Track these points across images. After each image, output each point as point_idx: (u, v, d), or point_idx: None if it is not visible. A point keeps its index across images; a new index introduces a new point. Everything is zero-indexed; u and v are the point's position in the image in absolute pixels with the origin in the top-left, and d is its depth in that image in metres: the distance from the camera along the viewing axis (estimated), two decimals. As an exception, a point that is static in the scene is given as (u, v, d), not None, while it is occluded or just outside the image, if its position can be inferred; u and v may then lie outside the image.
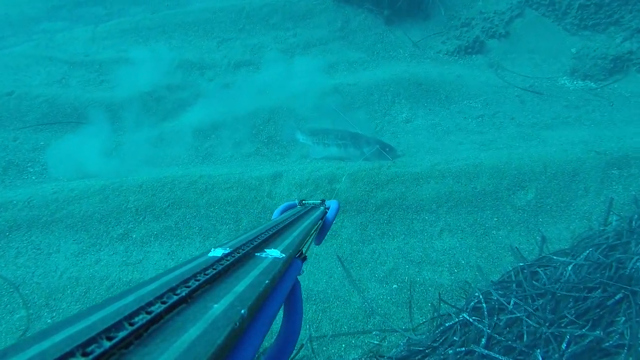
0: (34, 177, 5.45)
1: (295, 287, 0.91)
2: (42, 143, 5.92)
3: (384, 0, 8.24)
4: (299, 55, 7.52)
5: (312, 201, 1.60)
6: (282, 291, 0.74)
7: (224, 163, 5.58)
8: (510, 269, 4.09)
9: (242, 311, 0.53)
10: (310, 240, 1.17)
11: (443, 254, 4.29)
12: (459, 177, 4.80)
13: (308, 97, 6.44)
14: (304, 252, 1.06)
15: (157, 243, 4.46)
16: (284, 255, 0.81)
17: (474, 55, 7.92)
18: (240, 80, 6.90)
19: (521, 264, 4.05)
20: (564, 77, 7.36)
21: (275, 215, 1.48)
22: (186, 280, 0.61)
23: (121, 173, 5.21)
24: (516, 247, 4.31)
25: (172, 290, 0.57)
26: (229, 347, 0.48)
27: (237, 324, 0.50)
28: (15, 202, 4.77)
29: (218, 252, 0.76)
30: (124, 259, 4.33)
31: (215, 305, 0.54)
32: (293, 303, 0.88)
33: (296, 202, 1.61)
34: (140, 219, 4.64)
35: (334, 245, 4.38)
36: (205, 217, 4.62)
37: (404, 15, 8.53)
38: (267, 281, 0.65)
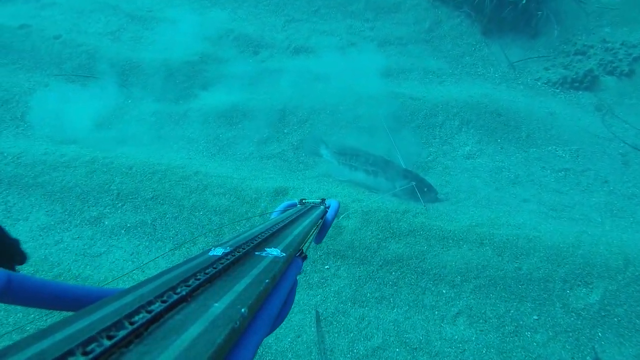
0: (46, 129, 5.15)
1: (292, 286, 0.86)
2: (70, 95, 5.63)
3: (487, 5, 7.02)
4: (369, 52, 6.61)
5: (312, 200, 1.61)
6: (283, 290, 0.74)
7: (236, 161, 4.91)
8: (534, 395, 3.04)
9: (243, 310, 0.53)
10: (310, 239, 1.15)
11: (450, 346, 3.30)
12: (503, 249, 3.72)
13: (361, 102, 5.56)
14: (304, 251, 1.03)
15: (125, 238, 3.91)
16: (284, 254, 0.81)
17: (580, 92, 6.51)
18: (294, 67, 6.15)
19: (551, 393, 2.97)
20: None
21: (275, 214, 1.49)
22: (186, 279, 0.60)
23: (125, 144, 4.74)
24: (551, 367, 3.21)
25: (173, 289, 0.57)
26: (229, 346, 0.48)
27: (238, 322, 0.50)
28: (5, 154, 4.46)
29: (218, 251, 0.77)
30: (84, 247, 3.83)
31: (216, 304, 0.54)
32: (286, 302, 0.81)
33: (296, 201, 1.63)
34: (119, 205, 4.11)
35: (318, 296, 3.55)
36: (186, 222, 3.98)
37: (507, 27, 7.24)
38: (267, 280, 0.65)
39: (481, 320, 3.45)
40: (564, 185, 4.95)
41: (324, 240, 1.48)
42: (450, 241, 3.76)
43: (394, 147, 4.93)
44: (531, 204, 4.56)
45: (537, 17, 7.13)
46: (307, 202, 1.63)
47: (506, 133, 5.49)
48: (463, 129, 5.45)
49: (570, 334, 3.41)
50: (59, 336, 0.42)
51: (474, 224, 3.91)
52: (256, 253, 0.82)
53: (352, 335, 3.34)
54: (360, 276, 3.65)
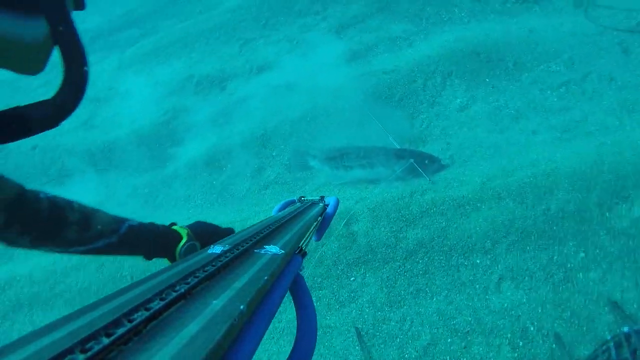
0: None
1: (300, 282, 0.89)
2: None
3: (429, -51, 6.67)
4: (329, 43, 6.38)
5: (311, 197, 1.61)
6: (282, 287, 0.74)
7: (235, 202, 4.79)
8: (609, 337, 2.77)
9: (241, 307, 0.53)
10: (309, 236, 1.16)
11: (503, 317, 3.06)
12: (523, 195, 3.45)
13: (337, 97, 5.34)
14: (303, 248, 1.04)
15: (152, 322, 3.83)
16: (283, 251, 0.81)
17: (553, -4, 6.10)
18: (261, 88, 5.99)
19: (626, 329, 2.70)
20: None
21: (274, 212, 1.49)
22: (185, 277, 0.60)
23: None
24: (615, 302, 2.93)
25: (171, 286, 0.56)
26: (228, 342, 0.48)
27: (237, 319, 0.50)
28: (18, 278, 4.47)
29: (217, 249, 0.77)
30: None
31: (215, 301, 0.54)
32: (301, 299, 0.86)
33: (295, 198, 1.62)
34: (137, 291, 4.05)
35: (353, 312, 3.38)
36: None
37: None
38: (266, 277, 0.65)
39: (526, 278, 3.19)
40: (568, 100, 4.60)
41: (322, 239, 1.44)
42: (467, 207, 3.51)
43: (382, 130, 4.70)
44: (541, 133, 4.24)
45: (482, -61, 6.74)
46: (306, 200, 1.63)
47: (492, 69, 5.17)
48: (447, 83, 5.16)
49: (626, 259, 3.12)
50: (57, 334, 0.42)
51: (485, 179, 3.65)
52: (255, 250, 0.82)
53: (398, 340, 3.15)
54: (388, 276, 3.45)
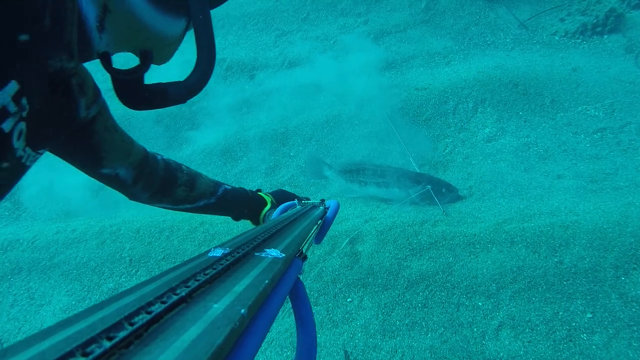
0: (61, 204, 5.20)
1: (299, 289, 0.90)
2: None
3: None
4: (366, 48, 6.27)
5: (311, 201, 1.61)
6: (283, 290, 0.74)
7: (245, 197, 4.75)
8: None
9: (242, 311, 0.53)
10: (310, 239, 1.17)
11: (497, 367, 2.97)
12: (537, 244, 3.34)
13: (363, 106, 5.26)
14: (304, 251, 1.04)
15: (143, 306, 3.83)
16: (283, 254, 0.82)
17: (605, 36, 5.90)
18: (290, 83, 5.93)
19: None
20: None
21: (275, 215, 1.51)
22: (186, 280, 0.61)
23: (129, 207, 4.69)
24: (616, 373, 2.82)
25: (172, 290, 0.57)
26: (229, 347, 0.48)
27: (237, 323, 0.50)
28: (21, 240, 4.51)
29: (218, 252, 0.78)
30: (105, 323, 3.78)
31: (215, 305, 0.54)
32: (301, 306, 0.88)
33: (296, 201, 1.62)
34: (133, 272, 4.05)
35: (345, 334, 3.32)
36: (199, 278, 3.86)
37: (511, -15, 6.70)
38: (267, 281, 0.66)
39: (527, 330, 3.09)
40: (602, 148, 4.45)
41: (323, 240, 1.49)
42: (478, 246, 3.42)
43: (404, 148, 4.60)
44: (566, 179, 4.11)
45: (540, -34, 6.55)
46: (307, 203, 1.64)
47: (527, 103, 5.03)
48: (479, 110, 5.04)
49: (635, 328, 3.00)
50: (58, 337, 0.42)
51: (501, 220, 3.54)
52: (256, 254, 0.82)
53: (386, 372, 3.08)
54: (386, 303, 3.38)
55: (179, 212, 1.95)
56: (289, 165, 5.00)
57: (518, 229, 3.43)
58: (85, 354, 0.39)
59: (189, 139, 5.71)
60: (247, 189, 2.13)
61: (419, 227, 3.60)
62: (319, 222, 1.38)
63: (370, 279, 3.48)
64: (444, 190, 3.92)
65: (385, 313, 3.34)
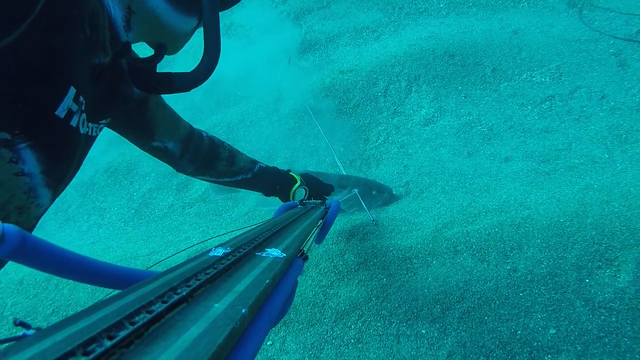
0: None
1: (293, 287, 0.92)
2: None
3: None
4: (281, 31, 5.61)
5: (312, 201, 1.72)
6: (284, 290, 0.75)
7: (153, 222, 4.08)
8: None
9: (243, 310, 0.53)
10: (311, 239, 1.22)
11: (448, 412, 2.45)
12: (485, 251, 2.81)
13: (282, 100, 4.62)
14: (305, 251, 1.06)
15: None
16: (284, 254, 0.83)
17: (545, -9, 5.42)
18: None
19: None
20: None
21: (276, 214, 1.54)
22: (187, 280, 0.62)
23: None
24: (589, 407, 2.34)
25: (173, 289, 0.57)
26: (229, 347, 0.48)
27: (238, 323, 0.51)
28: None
29: (219, 252, 0.79)
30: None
31: (216, 305, 0.54)
32: (286, 302, 0.87)
33: (296, 202, 1.73)
34: (20, 334, 3.33)
35: (267, 388, 2.74)
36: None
37: (440, -56, 6.12)
38: (267, 280, 0.67)
39: (482, 357, 2.58)
40: (551, 120, 3.96)
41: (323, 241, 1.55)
42: (415, 261, 2.87)
43: (328, 146, 4.00)
44: (515, 161, 3.60)
45: None
46: (308, 203, 1.73)
47: (467, 76, 4.50)
48: (413, 89, 4.47)
49: (607, 340, 2.52)
50: (59, 336, 0.42)
51: (441, 225, 3.00)
52: (257, 253, 0.83)
53: None
54: (313, 343, 2.80)
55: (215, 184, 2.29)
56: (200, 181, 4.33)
57: (461, 233, 2.89)
58: (86, 353, 0.39)
59: (91, 158, 4.95)
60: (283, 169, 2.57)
61: (345, 245, 3.02)
62: (319, 223, 1.34)
63: (292, 315, 2.89)
64: (374, 192, 3.35)
65: (312, 355, 2.76)
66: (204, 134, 2.10)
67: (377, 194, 3.34)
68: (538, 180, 3.30)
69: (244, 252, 0.80)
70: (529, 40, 4.69)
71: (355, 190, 3.28)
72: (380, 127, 4.26)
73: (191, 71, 1.33)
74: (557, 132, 3.82)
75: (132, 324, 0.46)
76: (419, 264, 2.84)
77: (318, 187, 2.80)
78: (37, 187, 1.09)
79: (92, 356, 0.39)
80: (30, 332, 0.68)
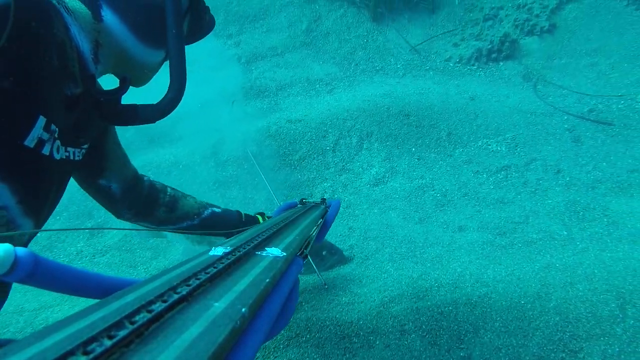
0: None
1: (294, 286, 0.91)
2: None
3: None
4: (232, 76, 5.32)
5: (312, 200, 1.64)
6: (284, 289, 0.75)
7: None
8: None
9: (243, 310, 0.54)
10: (311, 238, 1.19)
11: None
12: (437, 332, 2.44)
13: (223, 145, 4.24)
14: (305, 251, 1.05)
15: None
16: (284, 253, 0.83)
17: (500, 63, 5.48)
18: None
19: None
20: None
21: (276, 214, 1.57)
22: (187, 279, 0.62)
23: None
24: None
25: (173, 288, 0.58)
26: (229, 346, 0.49)
27: (238, 322, 0.51)
28: None
29: (219, 251, 0.79)
30: None
31: (216, 304, 0.55)
32: (288, 301, 0.86)
33: (297, 201, 1.67)
34: None
35: None
36: None
37: (400, 7, 6.18)
38: (267, 280, 0.67)
39: None
40: (507, 190, 3.78)
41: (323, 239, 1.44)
42: (356, 340, 2.44)
43: (272, 197, 3.62)
44: (469, 232, 3.34)
45: (430, -13, 6.10)
46: (308, 202, 1.73)
47: (421, 137, 4.31)
48: (364, 146, 4.22)
49: None
50: (59, 335, 0.43)
51: (387, 298, 2.62)
52: (257, 253, 0.83)
53: None
54: None
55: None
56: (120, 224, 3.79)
57: (410, 310, 2.52)
58: (86, 353, 0.40)
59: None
60: (247, 213, 2.33)
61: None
62: (319, 222, 1.36)
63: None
64: (324, 252, 2.96)
65: None
66: (145, 178, 2.07)
67: (327, 255, 2.95)
68: (495, 254, 3.03)
69: (243, 251, 0.81)
70: (485, 108, 4.61)
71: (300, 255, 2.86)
72: (326, 184, 3.93)
73: (156, 103, 1.37)
74: (513, 204, 3.62)
75: (132, 323, 0.46)
76: (360, 343, 2.42)
77: None
78: (15, 218, 1.12)
79: (92, 356, 0.39)
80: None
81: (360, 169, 4.05)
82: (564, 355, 2.37)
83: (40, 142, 1.10)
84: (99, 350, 0.40)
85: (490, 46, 5.48)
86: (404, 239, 3.31)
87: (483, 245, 3.16)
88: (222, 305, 0.55)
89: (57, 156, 1.21)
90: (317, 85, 5.22)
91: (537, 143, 4.23)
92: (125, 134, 4.65)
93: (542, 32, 5.60)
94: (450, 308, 2.51)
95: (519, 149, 4.18)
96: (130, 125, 1.39)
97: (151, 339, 0.45)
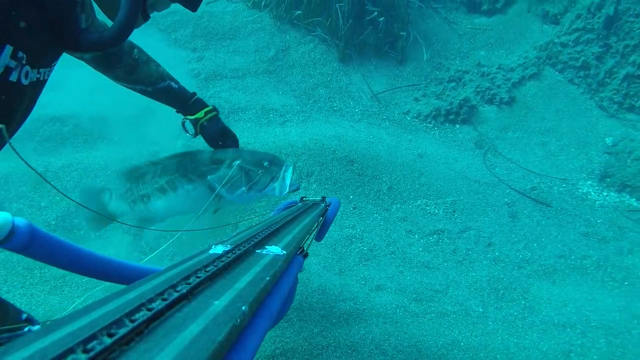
0: None
1: (294, 285, 0.93)
2: None
3: (342, 27, 5.96)
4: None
5: (312, 198, 1.62)
6: (284, 287, 0.75)
7: None
8: None
9: (243, 308, 0.54)
10: (311, 237, 1.24)
11: None
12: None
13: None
14: (305, 248, 1.07)
15: None
16: (284, 252, 0.83)
17: (457, 125, 5.56)
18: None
19: None
20: (589, 182, 4.93)
21: (276, 212, 1.54)
22: (187, 277, 0.62)
23: None
24: None
25: (173, 287, 0.58)
26: (230, 344, 0.49)
27: (238, 320, 0.51)
28: None
29: (219, 249, 0.78)
30: None
31: (216, 302, 0.55)
32: (286, 300, 0.87)
33: (297, 199, 1.64)
34: None
35: None
36: None
37: (370, 52, 6.25)
38: (267, 278, 0.67)
39: None
40: (435, 255, 3.74)
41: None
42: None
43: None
44: (386, 293, 3.26)
45: (402, 39, 6.20)
46: (308, 200, 1.71)
47: (361, 186, 4.26)
48: (302, 185, 4.14)
49: None
50: (60, 333, 0.43)
51: (278, 351, 2.48)
52: (257, 251, 0.84)
53: None
54: None
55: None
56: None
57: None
58: (86, 351, 0.40)
59: None
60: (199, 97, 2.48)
61: None
62: (319, 220, 1.38)
63: None
64: (265, 163, 2.30)
65: None
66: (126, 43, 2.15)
67: (270, 165, 2.29)
68: (405, 321, 2.95)
69: (244, 249, 0.80)
70: (431, 167, 4.63)
71: (237, 162, 2.27)
72: (254, 220, 3.81)
73: (101, 32, 1.42)
74: (437, 271, 3.58)
75: (132, 321, 0.46)
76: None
77: (224, 132, 2.55)
78: None
79: (92, 354, 0.39)
80: (36, 327, 0.64)
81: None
82: None
83: (7, 70, 1.20)
84: (98, 348, 0.40)
85: (449, 107, 5.57)
86: (318, 288, 3.20)
87: (396, 309, 3.08)
88: (222, 303, 0.55)
89: (25, 81, 1.31)
90: (271, 115, 5.15)
91: (475, 212, 4.24)
92: (63, 129, 4.46)
93: (501, 103, 5.74)
94: (341, 374, 2.39)
95: (456, 215, 4.18)
96: (72, 50, 1.53)
97: (151, 337, 0.45)
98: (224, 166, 2.25)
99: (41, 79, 1.45)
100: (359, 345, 2.61)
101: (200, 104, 2.46)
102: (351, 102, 5.66)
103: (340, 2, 5.89)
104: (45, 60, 1.45)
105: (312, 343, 2.59)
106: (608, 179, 4.94)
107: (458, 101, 5.61)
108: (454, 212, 4.22)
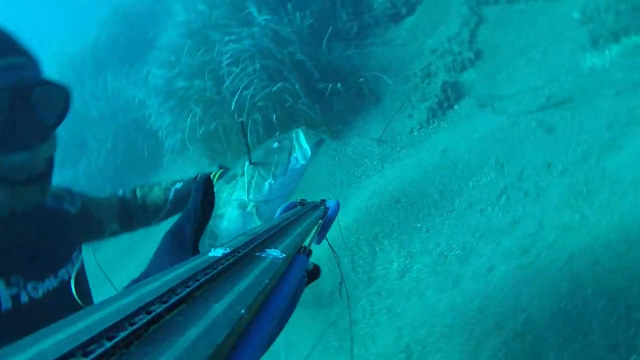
0: None
1: (299, 284, 0.91)
2: None
3: (318, 114, 6.56)
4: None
5: (311, 201, 1.43)
6: (286, 289, 0.76)
7: None
8: None
9: (242, 311, 0.55)
10: (311, 239, 1.18)
11: None
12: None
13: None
14: (307, 246, 1.02)
15: None
16: (284, 254, 0.83)
17: (455, 107, 5.83)
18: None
19: None
20: (587, 54, 5.01)
21: (276, 215, 1.35)
22: (186, 280, 0.62)
23: None
24: None
25: (172, 290, 0.58)
26: (229, 347, 0.51)
27: (237, 323, 0.52)
28: None
29: (218, 252, 0.77)
30: None
31: (216, 305, 0.56)
32: (293, 300, 0.90)
33: (296, 202, 1.39)
34: None
35: None
36: None
37: (351, 116, 6.77)
38: (266, 281, 0.67)
39: None
40: (514, 210, 3.87)
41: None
42: None
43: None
44: (498, 268, 3.38)
45: (363, 84, 6.74)
46: (307, 203, 1.46)
47: (419, 211, 4.52)
48: (377, 249, 4.42)
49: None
50: (59, 337, 0.44)
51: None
52: (256, 254, 0.82)
53: None
54: None
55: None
56: None
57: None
58: (85, 354, 0.40)
59: None
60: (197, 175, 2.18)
61: None
62: (319, 222, 1.32)
63: None
64: (275, 145, 2.17)
65: None
66: (120, 194, 2.12)
67: (280, 144, 2.13)
68: (523, 276, 3.05)
69: (243, 252, 0.78)
70: (458, 152, 4.86)
71: (247, 165, 2.14)
72: (361, 302, 4.08)
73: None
74: (524, 219, 3.70)
75: (132, 324, 0.46)
76: None
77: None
78: None
79: (91, 357, 0.39)
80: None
81: (383, 270, 4.21)
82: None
83: (16, 297, 1.18)
84: (98, 351, 0.41)
85: (437, 99, 5.88)
86: (447, 309, 3.37)
87: (513, 272, 3.20)
88: (221, 306, 0.56)
89: (36, 295, 1.27)
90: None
91: (518, 152, 4.39)
92: None
93: (472, 62, 6.03)
94: None
95: (505, 168, 4.33)
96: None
97: (150, 340, 0.46)
98: (239, 178, 2.13)
99: (50, 289, 1.37)
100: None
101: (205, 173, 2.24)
102: (367, 161, 6.06)
103: (300, 99, 6.54)
104: (48, 267, 1.42)
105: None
106: (600, 40, 5.02)
107: (439, 88, 5.94)
108: (502, 167, 4.37)
